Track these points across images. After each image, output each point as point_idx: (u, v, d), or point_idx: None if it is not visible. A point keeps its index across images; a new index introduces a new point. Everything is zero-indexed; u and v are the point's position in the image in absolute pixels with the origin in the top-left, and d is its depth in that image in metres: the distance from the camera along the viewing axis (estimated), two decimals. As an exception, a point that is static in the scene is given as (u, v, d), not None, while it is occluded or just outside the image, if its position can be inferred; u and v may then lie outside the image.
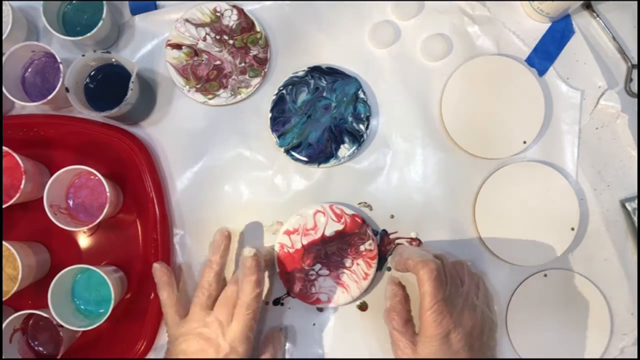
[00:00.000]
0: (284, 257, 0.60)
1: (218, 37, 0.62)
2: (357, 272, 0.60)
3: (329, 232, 0.60)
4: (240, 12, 0.62)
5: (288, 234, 0.61)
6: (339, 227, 0.60)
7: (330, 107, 0.61)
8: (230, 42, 0.62)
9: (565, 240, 0.60)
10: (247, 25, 0.62)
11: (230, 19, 0.63)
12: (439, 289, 0.50)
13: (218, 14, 0.62)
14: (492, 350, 0.56)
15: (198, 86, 0.62)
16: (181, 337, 0.54)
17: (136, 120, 0.63)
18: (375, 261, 0.60)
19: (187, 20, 0.62)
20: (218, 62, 0.62)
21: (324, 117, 0.61)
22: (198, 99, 0.62)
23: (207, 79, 0.62)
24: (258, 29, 0.62)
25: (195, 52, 0.62)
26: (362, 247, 0.60)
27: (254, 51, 0.62)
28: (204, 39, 0.62)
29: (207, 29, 0.62)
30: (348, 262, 0.60)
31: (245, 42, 0.62)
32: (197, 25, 0.62)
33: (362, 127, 0.61)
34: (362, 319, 0.62)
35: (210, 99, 0.62)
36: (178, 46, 0.62)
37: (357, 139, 0.61)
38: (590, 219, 0.62)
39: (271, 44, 0.63)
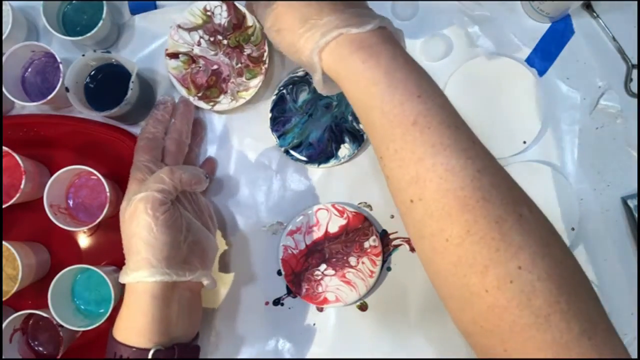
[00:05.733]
0: (289, 259, 0.60)
1: (212, 38, 0.62)
2: (362, 270, 0.60)
3: (332, 229, 0.60)
4: (230, 6, 0.62)
5: (291, 234, 0.61)
6: (342, 222, 0.60)
7: (331, 105, 0.61)
8: (225, 42, 0.62)
9: (565, 240, 0.60)
10: (237, 21, 0.62)
11: (222, 16, 0.62)
12: None
13: (209, 13, 0.62)
14: None
15: (199, 95, 0.62)
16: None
17: (136, 120, 0.63)
18: (380, 258, 0.60)
19: (179, 27, 0.62)
20: (215, 67, 0.62)
21: (324, 116, 0.61)
22: (203, 106, 0.62)
23: (207, 85, 0.62)
24: (250, 22, 0.62)
25: (192, 59, 0.62)
26: (366, 244, 0.60)
27: (247, 50, 0.62)
28: (199, 43, 0.62)
29: (200, 32, 0.62)
30: (353, 261, 0.60)
31: (239, 40, 0.62)
32: (189, 30, 0.62)
33: (362, 126, 0.61)
34: (362, 319, 0.62)
35: (212, 106, 0.62)
36: (175, 55, 0.62)
37: (358, 139, 0.61)
38: (590, 219, 0.62)
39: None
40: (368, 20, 0.41)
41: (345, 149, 0.61)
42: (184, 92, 0.62)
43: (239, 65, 0.62)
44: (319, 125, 0.61)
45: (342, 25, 0.40)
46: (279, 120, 0.61)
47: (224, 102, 0.62)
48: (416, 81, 0.40)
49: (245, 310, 0.62)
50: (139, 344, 0.47)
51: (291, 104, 0.61)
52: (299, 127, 0.61)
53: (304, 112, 0.61)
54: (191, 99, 0.62)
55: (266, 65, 0.61)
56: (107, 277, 0.56)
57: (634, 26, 0.63)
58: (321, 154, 0.61)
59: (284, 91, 0.61)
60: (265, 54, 0.61)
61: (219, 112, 0.63)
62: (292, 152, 0.61)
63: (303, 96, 0.61)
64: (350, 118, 0.61)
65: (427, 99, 0.39)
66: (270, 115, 0.61)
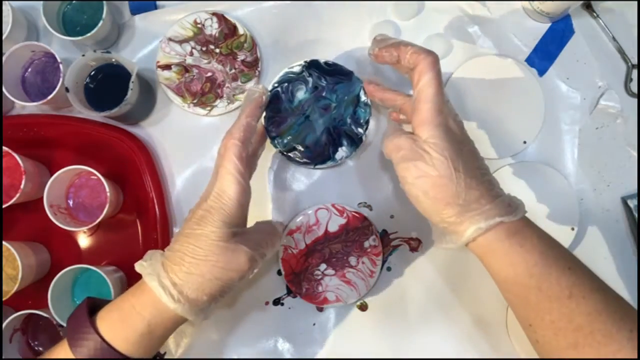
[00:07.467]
0: (289, 258, 0.60)
1: (204, 48, 0.62)
2: (362, 270, 0.60)
3: (332, 228, 0.60)
4: (221, 18, 0.62)
5: (291, 233, 0.61)
6: (342, 221, 0.60)
7: (329, 107, 0.59)
8: (217, 50, 0.62)
9: (565, 240, 0.60)
10: (229, 30, 0.62)
11: (212, 28, 0.62)
12: (440, 79, 0.46)
13: (199, 26, 0.62)
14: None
15: (195, 101, 0.62)
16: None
17: (136, 120, 0.63)
18: (380, 257, 0.60)
19: (170, 39, 0.62)
20: (210, 74, 0.62)
21: (322, 118, 0.59)
22: (199, 112, 0.62)
23: (202, 92, 0.62)
24: (241, 31, 0.62)
25: (185, 68, 0.62)
26: (366, 244, 0.60)
27: (240, 56, 0.62)
28: (191, 54, 0.62)
29: (192, 43, 0.62)
30: (353, 261, 0.60)
31: (231, 47, 0.62)
32: (180, 42, 0.62)
33: (360, 130, 0.59)
34: (362, 319, 0.62)
35: (209, 111, 0.62)
36: (167, 67, 0.62)
37: (355, 142, 0.59)
38: (590, 219, 0.62)
39: (265, 44, 0.63)
40: (517, 207, 0.45)
41: (342, 152, 0.59)
42: (178, 100, 0.62)
43: (233, 70, 0.62)
44: (316, 128, 0.59)
45: (501, 214, 0.44)
46: (273, 120, 0.59)
47: (221, 105, 0.62)
48: (562, 254, 0.44)
49: (245, 310, 0.62)
50: (127, 351, 0.44)
51: (287, 104, 0.59)
52: (294, 129, 0.59)
53: (301, 113, 0.59)
54: (186, 106, 0.62)
55: (259, 69, 0.62)
56: (107, 277, 0.56)
57: (634, 26, 0.63)
58: (318, 157, 0.59)
59: (279, 89, 0.59)
60: (259, 58, 0.61)
61: (216, 116, 0.63)
62: (288, 154, 0.59)
63: (299, 95, 0.59)
64: (349, 120, 0.59)
65: (575, 269, 0.43)
66: (264, 114, 0.58)
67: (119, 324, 0.44)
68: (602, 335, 0.40)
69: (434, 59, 0.47)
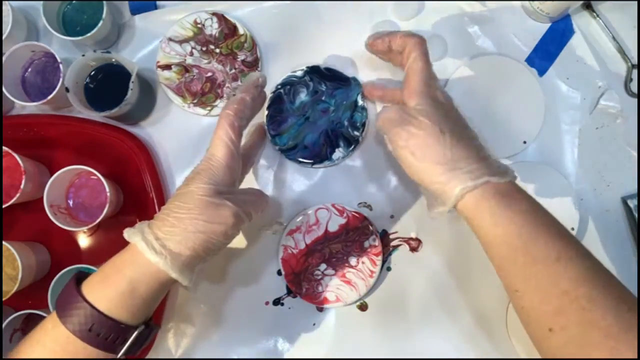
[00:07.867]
0: (289, 258, 0.60)
1: (204, 48, 0.62)
2: (363, 270, 0.60)
3: (332, 228, 0.60)
4: (221, 18, 0.62)
5: (291, 233, 0.61)
6: (342, 221, 0.60)
7: (328, 110, 0.61)
8: (217, 50, 0.62)
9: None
10: (229, 30, 0.62)
11: (212, 28, 0.62)
12: (427, 58, 0.50)
13: (199, 26, 0.62)
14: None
15: (195, 101, 0.62)
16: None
17: (136, 120, 0.63)
18: (380, 257, 0.60)
19: (170, 39, 0.62)
20: (210, 74, 0.62)
21: (321, 120, 0.61)
22: (199, 112, 0.62)
23: (202, 92, 0.62)
24: (241, 31, 0.62)
25: (185, 68, 0.62)
26: (366, 244, 0.60)
27: (241, 56, 0.62)
28: (191, 54, 0.62)
29: (192, 43, 0.62)
30: (353, 261, 0.60)
31: (231, 47, 0.62)
32: (180, 42, 0.62)
33: (357, 133, 0.60)
34: (362, 319, 0.62)
35: (209, 111, 0.62)
36: (167, 67, 0.62)
37: (352, 144, 0.61)
38: (590, 219, 0.62)
39: (265, 44, 0.63)
40: (506, 171, 0.46)
41: (339, 153, 0.61)
42: (178, 100, 0.62)
43: (234, 70, 0.62)
44: (315, 129, 0.61)
45: (489, 174, 0.44)
46: (275, 119, 0.61)
47: (221, 106, 0.62)
48: (551, 220, 0.45)
49: (245, 310, 0.62)
50: (110, 312, 0.43)
51: (288, 105, 0.61)
52: (294, 129, 0.61)
53: (301, 114, 0.61)
54: (186, 106, 0.62)
55: (259, 68, 0.62)
56: (107, 277, 0.56)
57: (634, 26, 0.63)
58: (315, 157, 0.61)
59: (282, 90, 0.61)
60: (259, 58, 0.62)
61: (216, 116, 0.63)
62: (286, 153, 0.61)
63: (300, 98, 0.61)
64: (346, 123, 0.61)
65: (563, 235, 0.43)
66: (266, 112, 0.61)
67: (99, 285, 0.44)
68: (587, 300, 0.40)
69: (421, 39, 0.50)
